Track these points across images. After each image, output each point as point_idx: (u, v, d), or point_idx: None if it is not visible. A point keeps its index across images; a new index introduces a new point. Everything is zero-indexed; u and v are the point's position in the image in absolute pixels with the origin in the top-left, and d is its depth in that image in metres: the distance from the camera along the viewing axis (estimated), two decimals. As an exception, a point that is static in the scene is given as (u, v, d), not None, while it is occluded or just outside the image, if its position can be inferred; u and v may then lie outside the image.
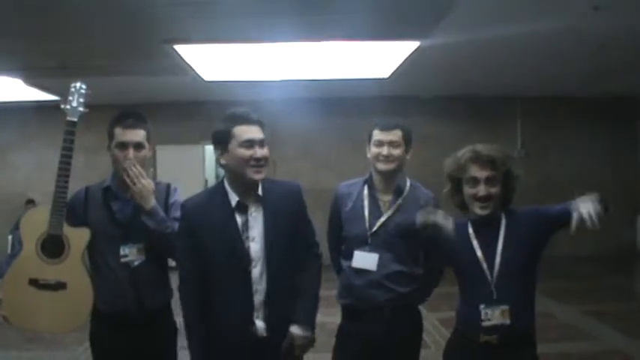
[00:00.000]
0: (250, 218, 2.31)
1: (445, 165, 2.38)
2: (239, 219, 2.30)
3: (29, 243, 2.40)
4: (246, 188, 2.30)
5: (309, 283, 2.40)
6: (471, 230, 2.32)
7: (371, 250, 2.61)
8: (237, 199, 2.30)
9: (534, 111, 9.71)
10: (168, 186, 2.65)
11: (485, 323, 2.20)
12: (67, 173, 2.42)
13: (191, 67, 6.41)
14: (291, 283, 2.35)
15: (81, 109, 2.49)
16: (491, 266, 2.24)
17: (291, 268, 2.35)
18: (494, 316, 2.19)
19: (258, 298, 2.28)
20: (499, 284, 2.22)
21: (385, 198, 2.69)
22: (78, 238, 2.43)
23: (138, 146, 2.49)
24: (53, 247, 2.40)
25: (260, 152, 2.25)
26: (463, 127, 9.25)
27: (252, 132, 2.26)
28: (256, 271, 2.28)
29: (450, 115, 9.56)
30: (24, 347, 5.29)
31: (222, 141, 2.28)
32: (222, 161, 2.30)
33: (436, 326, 5.57)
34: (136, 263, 2.48)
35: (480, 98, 9.38)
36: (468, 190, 2.27)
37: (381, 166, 2.64)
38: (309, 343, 2.32)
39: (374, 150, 2.66)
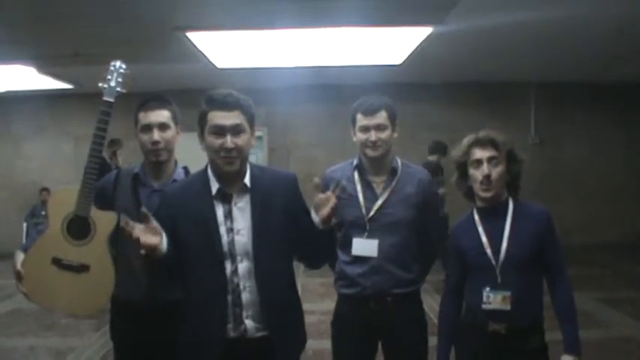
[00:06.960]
0: (235, 209, 2.08)
1: (451, 155, 2.42)
2: (220, 209, 2.08)
3: (55, 222, 2.34)
4: (228, 176, 2.08)
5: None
6: (476, 217, 2.34)
7: (370, 237, 2.50)
8: (217, 186, 2.09)
9: (548, 97, 9.56)
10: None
11: (486, 306, 2.22)
12: (98, 155, 2.35)
13: (203, 54, 6.40)
14: (287, 280, 2.19)
15: (119, 89, 2.39)
16: (496, 252, 2.24)
17: (286, 265, 2.16)
18: (495, 300, 2.21)
19: (247, 296, 2.06)
20: (504, 270, 2.23)
21: (378, 179, 2.58)
22: (105, 221, 2.36)
23: (162, 127, 2.43)
24: (79, 228, 2.33)
25: (231, 141, 2.01)
26: (475, 113, 9.17)
27: (225, 118, 2.01)
28: (243, 266, 2.06)
29: (462, 101, 9.44)
30: (41, 334, 5.34)
31: (200, 125, 2.08)
32: (202, 147, 2.10)
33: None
34: None
35: (493, 84, 9.27)
36: (472, 173, 2.28)
37: (371, 153, 2.52)
38: None
39: (360, 136, 2.54)
